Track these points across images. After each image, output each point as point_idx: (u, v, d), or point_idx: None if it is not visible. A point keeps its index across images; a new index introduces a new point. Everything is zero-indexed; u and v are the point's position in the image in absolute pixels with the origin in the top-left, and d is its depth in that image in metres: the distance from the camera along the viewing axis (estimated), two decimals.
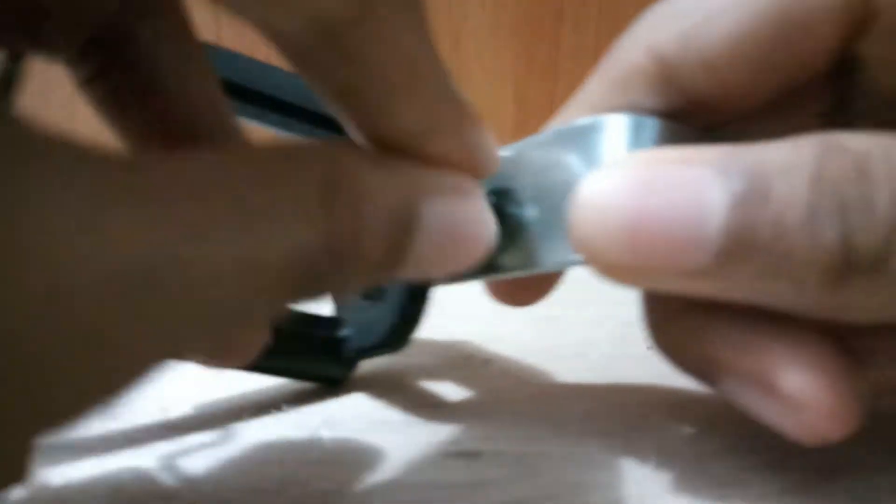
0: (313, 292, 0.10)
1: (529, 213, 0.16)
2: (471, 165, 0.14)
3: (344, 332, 0.20)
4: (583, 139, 0.15)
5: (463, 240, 0.13)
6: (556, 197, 0.15)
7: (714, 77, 0.15)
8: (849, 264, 0.11)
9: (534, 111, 0.51)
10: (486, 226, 0.13)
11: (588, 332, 0.25)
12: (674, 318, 0.15)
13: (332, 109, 0.13)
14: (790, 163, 0.12)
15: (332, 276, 0.10)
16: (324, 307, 0.22)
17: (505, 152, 0.17)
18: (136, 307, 0.08)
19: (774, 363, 0.13)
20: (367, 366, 0.22)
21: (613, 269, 0.13)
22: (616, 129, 0.15)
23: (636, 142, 0.15)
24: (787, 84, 0.15)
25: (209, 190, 0.09)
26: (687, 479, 0.15)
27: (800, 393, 0.13)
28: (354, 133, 0.13)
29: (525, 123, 0.52)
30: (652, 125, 0.15)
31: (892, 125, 0.12)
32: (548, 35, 0.51)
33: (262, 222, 0.09)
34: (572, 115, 0.17)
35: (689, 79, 0.15)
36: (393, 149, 0.13)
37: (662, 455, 0.16)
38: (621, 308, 0.17)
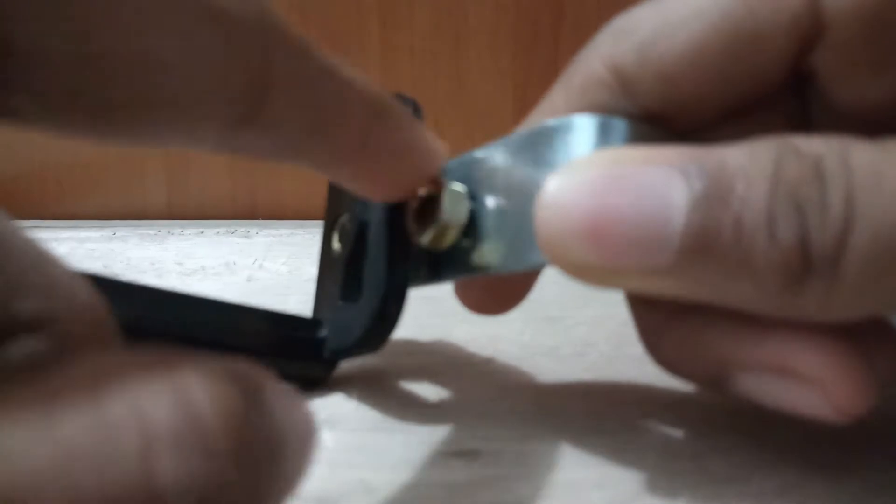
0: None
1: (500, 213, 0.16)
2: (418, 154, 0.16)
3: (323, 333, 0.20)
4: (552, 140, 0.15)
5: None
6: (526, 197, 0.15)
7: (671, 89, 0.15)
8: (806, 265, 0.12)
9: None
10: None
11: (588, 332, 0.25)
12: (670, 327, 0.15)
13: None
14: (749, 165, 0.12)
15: None
16: (303, 309, 0.22)
17: (477, 154, 0.17)
18: None
19: (789, 349, 0.13)
20: (366, 366, 0.22)
21: (577, 268, 0.13)
22: (584, 129, 0.15)
23: (604, 142, 0.15)
24: (746, 95, 0.15)
25: None
26: (685, 477, 0.15)
27: (822, 372, 0.13)
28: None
29: None
30: (620, 126, 0.15)
31: (848, 134, 0.12)
32: (548, 35, 0.51)
33: None
34: (535, 122, 0.17)
35: (646, 90, 0.15)
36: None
37: (661, 454, 0.16)
38: (621, 308, 0.17)
